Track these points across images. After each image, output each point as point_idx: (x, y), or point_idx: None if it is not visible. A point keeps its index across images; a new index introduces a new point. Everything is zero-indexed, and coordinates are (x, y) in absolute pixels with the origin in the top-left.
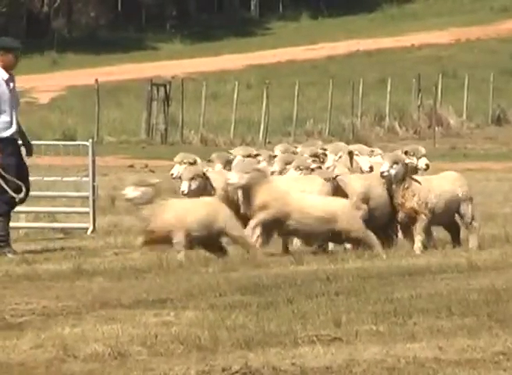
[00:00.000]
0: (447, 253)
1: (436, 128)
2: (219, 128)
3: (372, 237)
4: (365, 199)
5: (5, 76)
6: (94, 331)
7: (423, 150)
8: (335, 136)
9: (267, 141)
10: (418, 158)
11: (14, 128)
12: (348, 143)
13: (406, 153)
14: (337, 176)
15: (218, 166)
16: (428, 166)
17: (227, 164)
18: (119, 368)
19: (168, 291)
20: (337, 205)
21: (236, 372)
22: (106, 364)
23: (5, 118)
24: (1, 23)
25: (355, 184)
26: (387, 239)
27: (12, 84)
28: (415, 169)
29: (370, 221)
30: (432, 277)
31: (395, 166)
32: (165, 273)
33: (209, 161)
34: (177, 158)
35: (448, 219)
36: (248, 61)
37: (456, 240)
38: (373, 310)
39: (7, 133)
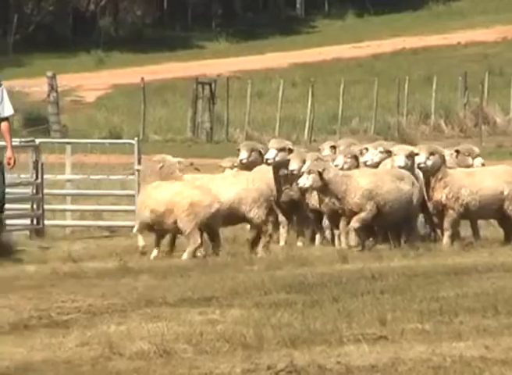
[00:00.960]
0: (494, 252)
1: (482, 126)
2: (264, 126)
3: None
4: (371, 196)
5: None
6: (139, 329)
7: (477, 150)
8: (380, 134)
9: (312, 139)
10: (473, 158)
11: None
12: (394, 141)
13: (457, 152)
14: None
15: (244, 154)
16: (483, 166)
17: (252, 153)
18: (165, 366)
19: (213, 289)
20: None
21: (282, 370)
22: (151, 362)
23: None
24: (48, 22)
25: (361, 181)
26: (397, 237)
27: None
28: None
29: (380, 218)
30: (479, 276)
31: (431, 157)
32: (210, 271)
33: (238, 150)
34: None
35: (491, 215)
36: (293, 59)
37: (507, 237)
38: (419, 309)
39: None
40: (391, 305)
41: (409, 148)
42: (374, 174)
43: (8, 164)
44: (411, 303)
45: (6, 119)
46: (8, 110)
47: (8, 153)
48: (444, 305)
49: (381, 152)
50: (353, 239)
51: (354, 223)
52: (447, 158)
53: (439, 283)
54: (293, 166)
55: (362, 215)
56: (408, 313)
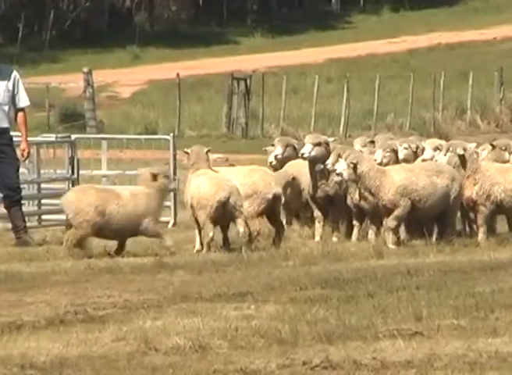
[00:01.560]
0: None
1: None
2: (300, 122)
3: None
4: (405, 192)
5: None
6: (175, 324)
7: None
8: (416, 130)
9: (347, 134)
10: (510, 154)
11: None
12: (429, 137)
13: (493, 147)
14: None
15: (279, 150)
16: None
17: (287, 148)
18: (200, 361)
19: (248, 284)
20: None
21: (317, 365)
22: (187, 357)
23: None
24: (84, 18)
25: (395, 176)
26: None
27: None
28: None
29: (416, 213)
30: None
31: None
32: (246, 267)
33: (272, 145)
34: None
35: None
36: (328, 55)
37: None
38: (454, 304)
39: None
40: (426, 300)
41: (438, 142)
42: (409, 170)
43: (22, 156)
44: (447, 299)
45: (22, 110)
46: (23, 101)
47: (23, 145)
48: (480, 301)
49: (405, 148)
50: (391, 239)
51: (390, 221)
52: (483, 153)
53: (475, 278)
54: (329, 160)
55: (397, 212)
56: (444, 309)
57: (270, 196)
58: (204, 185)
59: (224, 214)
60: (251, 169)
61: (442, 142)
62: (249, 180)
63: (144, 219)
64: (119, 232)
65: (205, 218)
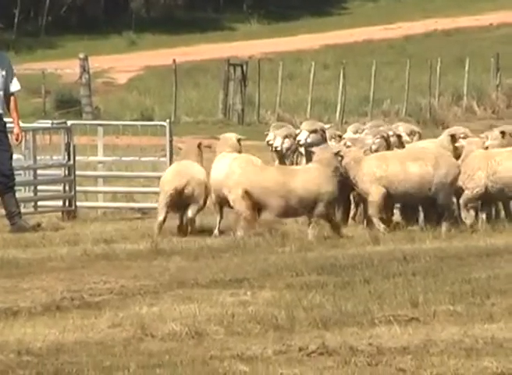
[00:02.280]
0: None
1: None
2: (296, 108)
3: None
4: (374, 179)
5: None
6: (171, 310)
7: None
8: (412, 116)
9: (343, 121)
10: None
11: None
12: (425, 123)
13: (503, 134)
14: None
15: (278, 141)
16: None
17: (285, 140)
18: (196, 347)
19: (244, 270)
20: None
21: (313, 351)
22: (183, 343)
23: None
24: (80, 4)
25: (366, 165)
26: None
27: None
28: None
29: (394, 200)
30: (510, 258)
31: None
32: (242, 253)
33: (266, 134)
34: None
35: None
36: (325, 41)
37: None
38: (450, 290)
39: None
40: (423, 286)
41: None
42: (382, 157)
43: (16, 140)
44: (443, 285)
45: (12, 94)
46: (15, 86)
47: (16, 130)
48: (476, 287)
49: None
50: (377, 224)
51: (369, 209)
52: (493, 141)
53: (471, 264)
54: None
55: (370, 199)
56: (440, 295)
57: None
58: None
59: None
60: None
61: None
62: None
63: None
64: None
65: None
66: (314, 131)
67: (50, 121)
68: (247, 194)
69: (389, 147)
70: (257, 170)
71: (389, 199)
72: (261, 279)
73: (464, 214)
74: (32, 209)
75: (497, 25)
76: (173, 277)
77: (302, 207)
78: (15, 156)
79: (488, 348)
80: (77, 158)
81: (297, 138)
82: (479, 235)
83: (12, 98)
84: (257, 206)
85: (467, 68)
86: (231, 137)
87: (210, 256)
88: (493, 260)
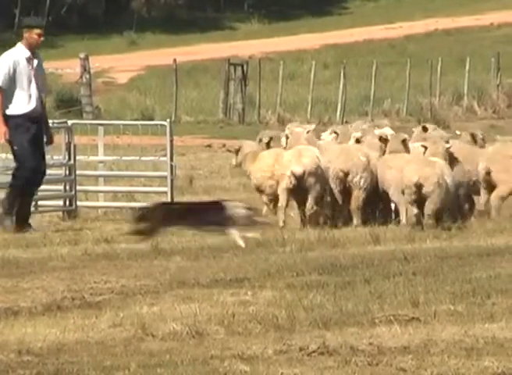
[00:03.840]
0: None
1: None
2: (296, 108)
3: None
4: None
5: (27, 54)
6: (171, 310)
7: None
8: (413, 115)
9: (344, 120)
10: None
11: (32, 106)
12: (426, 122)
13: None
14: None
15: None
16: None
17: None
18: (197, 347)
19: (245, 270)
20: None
21: (314, 351)
22: (184, 343)
23: (22, 95)
24: (81, 4)
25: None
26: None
27: (35, 63)
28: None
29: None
30: (511, 257)
31: None
32: (243, 253)
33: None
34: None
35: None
36: (325, 40)
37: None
38: (451, 290)
39: (22, 111)
40: (423, 286)
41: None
42: (331, 154)
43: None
44: (443, 285)
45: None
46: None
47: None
48: (476, 287)
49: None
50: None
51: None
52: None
53: (472, 264)
54: None
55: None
56: (440, 295)
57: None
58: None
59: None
60: None
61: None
62: None
63: None
64: None
65: None
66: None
67: (51, 121)
68: None
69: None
70: None
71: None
72: (262, 279)
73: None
74: (33, 209)
75: (498, 24)
76: (174, 277)
77: None
78: None
79: (489, 348)
80: (78, 157)
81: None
82: (480, 235)
83: None
84: None
85: (467, 67)
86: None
87: (210, 256)
88: (494, 260)
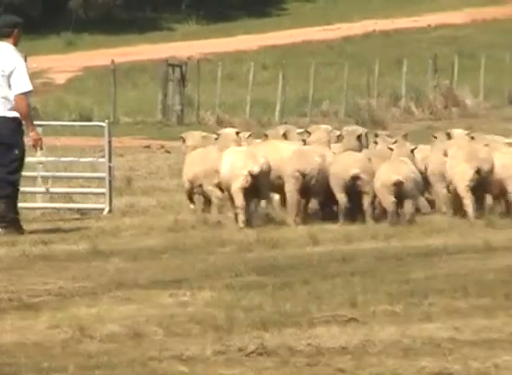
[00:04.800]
0: (463, 233)
1: (453, 109)
2: (235, 109)
3: None
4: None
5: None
6: (110, 312)
7: None
8: (351, 116)
9: (283, 121)
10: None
11: None
12: (364, 123)
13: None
14: None
15: None
16: None
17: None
18: (136, 348)
19: (184, 271)
20: None
21: (252, 352)
22: (122, 344)
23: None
24: (18, 4)
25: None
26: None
27: None
28: None
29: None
30: (449, 258)
31: None
32: (181, 254)
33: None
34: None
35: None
36: (264, 41)
37: None
38: (389, 291)
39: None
40: (361, 287)
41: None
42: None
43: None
44: (381, 285)
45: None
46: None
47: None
48: (414, 287)
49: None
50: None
51: None
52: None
53: (409, 265)
54: None
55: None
56: (378, 295)
57: None
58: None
59: None
60: None
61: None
62: None
63: None
64: None
65: None
66: None
67: None
68: None
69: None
70: None
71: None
72: (201, 279)
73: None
74: None
75: (435, 26)
76: (112, 278)
77: None
78: None
79: (426, 348)
80: None
81: None
82: (417, 235)
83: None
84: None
85: (405, 69)
86: (232, 132)
87: (149, 257)
88: (431, 260)
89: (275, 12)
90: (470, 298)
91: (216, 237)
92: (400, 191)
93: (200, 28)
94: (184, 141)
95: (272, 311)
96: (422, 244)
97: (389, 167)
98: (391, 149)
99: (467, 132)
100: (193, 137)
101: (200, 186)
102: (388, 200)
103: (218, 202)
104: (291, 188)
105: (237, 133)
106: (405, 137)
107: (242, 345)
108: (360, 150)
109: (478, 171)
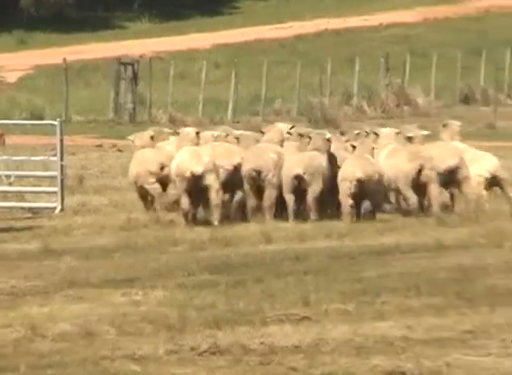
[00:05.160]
0: (416, 232)
1: (404, 107)
2: (188, 107)
3: None
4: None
5: None
6: (62, 311)
7: None
8: (303, 115)
9: (235, 120)
10: None
11: None
12: (316, 122)
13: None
14: None
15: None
16: None
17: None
18: (88, 347)
19: (136, 270)
20: None
21: (205, 351)
22: (75, 343)
23: None
24: None
25: None
26: None
27: None
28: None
29: None
30: (401, 256)
31: None
32: (134, 253)
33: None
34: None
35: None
36: (216, 40)
37: None
38: (342, 289)
39: None
40: (314, 285)
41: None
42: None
43: None
44: (334, 284)
45: None
46: None
47: None
48: (367, 286)
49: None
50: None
51: None
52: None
53: (362, 263)
54: None
55: None
56: (331, 294)
57: None
58: None
59: None
60: None
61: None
62: None
63: None
64: None
65: None
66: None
67: None
68: None
69: None
70: None
71: None
72: (153, 278)
73: None
74: None
75: (386, 25)
76: (64, 277)
77: None
78: None
79: (379, 347)
80: None
81: None
82: (370, 234)
83: None
84: None
85: (357, 68)
86: (190, 131)
87: (101, 256)
88: (384, 259)
89: (228, 10)
90: (422, 296)
91: (169, 236)
92: (361, 188)
93: (152, 26)
94: (133, 142)
95: (224, 309)
96: (375, 242)
97: (351, 164)
98: (354, 147)
99: (397, 131)
100: (141, 137)
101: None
102: (346, 198)
103: (159, 199)
104: (247, 187)
105: (197, 133)
106: (357, 135)
107: (195, 344)
108: (328, 151)
109: (420, 170)
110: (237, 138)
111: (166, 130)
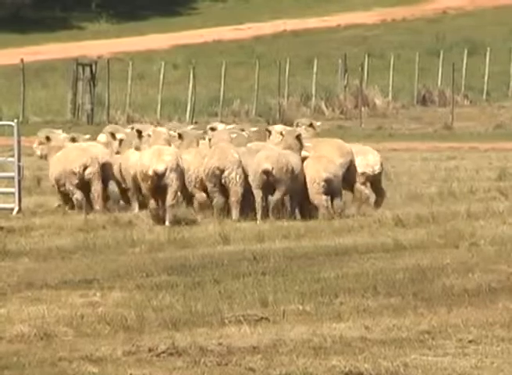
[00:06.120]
0: (374, 233)
1: (362, 108)
2: (146, 108)
3: None
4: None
5: None
6: (19, 312)
7: None
8: (262, 116)
9: (194, 121)
10: None
11: None
12: (275, 123)
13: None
14: None
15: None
16: None
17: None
18: (45, 349)
19: (94, 271)
20: None
21: (163, 352)
22: (32, 345)
23: None
24: None
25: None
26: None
27: None
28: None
29: None
30: (359, 257)
31: None
32: (92, 254)
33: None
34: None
35: None
36: (174, 41)
37: None
38: (300, 290)
39: None
40: (272, 286)
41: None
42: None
43: None
44: (292, 284)
45: None
46: None
47: None
48: (325, 286)
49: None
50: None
51: None
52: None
53: (320, 264)
54: None
55: None
56: (289, 294)
57: None
58: None
59: None
60: None
61: None
62: None
63: None
64: None
65: None
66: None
67: None
68: None
69: None
70: None
71: None
72: (111, 280)
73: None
74: None
75: (344, 26)
76: (21, 278)
77: None
78: None
79: (337, 347)
80: None
81: None
82: (328, 234)
83: None
84: None
85: (315, 69)
86: (164, 131)
87: (59, 257)
88: (341, 259)
89: (186, 11)
90: (379, 297)
91: (127, 237)
92: (329, 188)
93: (110, 27)
94: (48, 141)
95: (182, 311)
96: (333, 243)
97: (317, 164)
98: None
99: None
100: (56, 138)
101: (64, 185)
102: (319, 196)
103: (78, 203)
104: (211, 187)
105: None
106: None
107: (152, 345)
108: (299, 149)
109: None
110: (180, 135)
111: (122, 128)
